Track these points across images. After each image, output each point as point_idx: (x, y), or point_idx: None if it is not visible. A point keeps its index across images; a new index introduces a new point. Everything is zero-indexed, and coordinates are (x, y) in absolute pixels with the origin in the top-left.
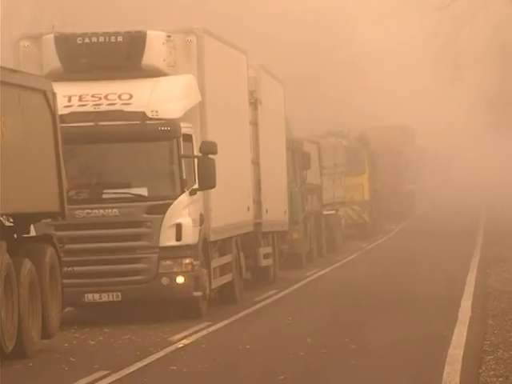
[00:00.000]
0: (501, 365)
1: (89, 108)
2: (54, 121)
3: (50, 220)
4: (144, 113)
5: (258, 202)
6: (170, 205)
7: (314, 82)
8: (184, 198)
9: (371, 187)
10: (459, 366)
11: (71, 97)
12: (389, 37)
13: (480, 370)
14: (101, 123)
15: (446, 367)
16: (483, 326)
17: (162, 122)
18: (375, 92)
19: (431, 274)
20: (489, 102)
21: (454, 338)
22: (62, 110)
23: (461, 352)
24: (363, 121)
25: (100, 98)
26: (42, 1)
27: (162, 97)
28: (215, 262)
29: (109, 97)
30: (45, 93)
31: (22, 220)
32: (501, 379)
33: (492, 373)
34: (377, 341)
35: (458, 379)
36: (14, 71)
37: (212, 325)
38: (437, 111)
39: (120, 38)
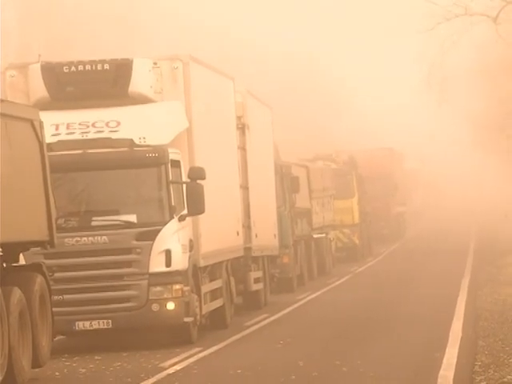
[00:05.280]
0: None
1: (76, 136)
2: (41, 149)
3: (39, 248)
4: (132, 140)
5: (247, 227)
6: (159, 231)
7: (301, 106)
8: (173, 224)
9: (361, 210)
10: None
11: (59, 125)
12: (376, 60)
13: None
14: (89, 151)
15: None
16: (474, 347)
17: (150, 148)
18: (363, 115)
19: (422, 296)
20: (475, 123)
21: (444, 359)
22: (49, 138)
23: (452, 373)
24: (351, 144)
25: (87, 126)
26: (27, 30)
27: (149, 123)
28: (205, 288)
29: (96, 124)
30: (32, 122)
31: (11, 249)
32: None
33: None
34: (368, 363)
35: None
36: (0, 101)
37: (203, 350)
38: (424, 133)
39: (106, 66)
